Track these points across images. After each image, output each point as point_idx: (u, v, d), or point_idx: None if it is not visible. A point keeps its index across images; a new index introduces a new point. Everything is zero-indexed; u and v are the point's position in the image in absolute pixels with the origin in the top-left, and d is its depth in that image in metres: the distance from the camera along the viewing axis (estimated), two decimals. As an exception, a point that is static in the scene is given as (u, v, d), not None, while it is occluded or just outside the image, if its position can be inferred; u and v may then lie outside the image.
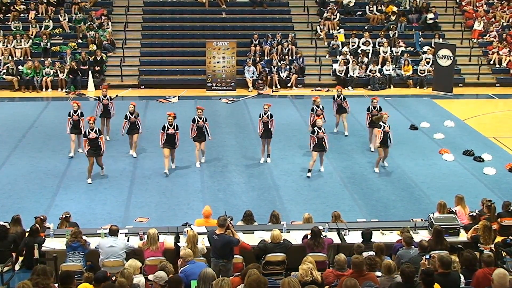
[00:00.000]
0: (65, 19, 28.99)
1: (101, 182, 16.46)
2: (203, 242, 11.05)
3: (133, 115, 17.97)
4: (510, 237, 12.50)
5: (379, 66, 27.77)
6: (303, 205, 15.29)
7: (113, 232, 11.23)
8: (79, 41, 28.12)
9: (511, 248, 11.93)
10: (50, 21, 28.84)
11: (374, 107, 19.00)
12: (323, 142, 16.87)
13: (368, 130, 19.42)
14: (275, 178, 17.07)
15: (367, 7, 31.06)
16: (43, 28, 28.51)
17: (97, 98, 19.89)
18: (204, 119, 17.45)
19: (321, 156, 17.25)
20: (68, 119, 17.94)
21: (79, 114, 17.93)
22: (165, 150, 16.96)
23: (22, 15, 29.35)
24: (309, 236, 11.26)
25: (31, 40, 27.87)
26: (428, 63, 27.84)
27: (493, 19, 30.95)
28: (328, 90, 26.01)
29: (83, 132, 17.17)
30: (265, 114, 17.71)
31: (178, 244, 11.31)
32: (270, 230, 11.48)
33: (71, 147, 18.30)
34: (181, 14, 30.67)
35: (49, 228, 12.44)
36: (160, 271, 9.27)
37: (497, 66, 28.59)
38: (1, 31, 28.05)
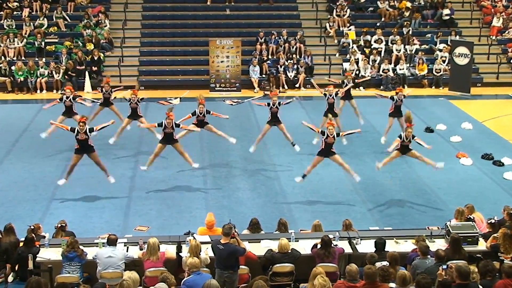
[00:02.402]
0: (61, 17, 29.04)
1: (98, 189, 16.46)
2: (207, 252, 11.04)
3: (135, 101, 18.40)
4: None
5: (392, 65, 27.77)
6: (312, 212, 15.28)
7: (112, 242, 11.22)
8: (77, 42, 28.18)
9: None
10: (45, 19, 28.95)
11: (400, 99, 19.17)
12: (331, 149, 15.65)
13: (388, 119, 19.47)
14: (283, 184, 17.06)
15: (379, 2, 31.08)
16: (37, 27, 28.60)
17: (97, 100, 20.05)
18: (206, 112, 17.54)
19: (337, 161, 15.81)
20: (55, 101, 18.90)
21: (71, 99, 18.76)
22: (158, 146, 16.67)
23: (15, 12, 29.47)
24: (318, 246, 11.24)
25: (24, 39, 27.96)
26: (444, 61, 27.85)
27: (512, 15, 30.95)
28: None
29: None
30: (273, 104, 17.85)
31: (180, 254, 11.32)
32: (278, 239, 11.45)
33: (50, 127, 18.44)
34: (182, 11, 30.76)
35: (44, 237, 12.47)
36: (161, 282, 9.27)
37: (517, 64, 28.60)
38: (-7, 30, 28.27)
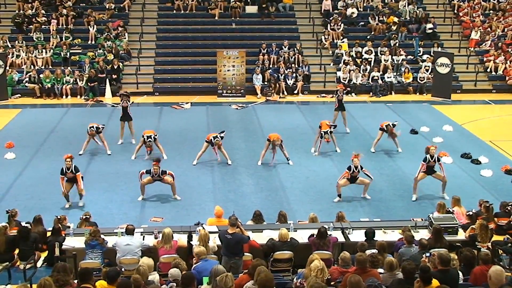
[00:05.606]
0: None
1: (118, 184, 16.49)
2: (215, 241, 11.06)
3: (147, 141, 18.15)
4: (508, 237, 12.48)
5: (381, 73, 27.74)
6: (309, 205, 15.26)
7: (130, 231, 11.26)
8: (99, 51, 28.11)
9: (507, 246, 11.88)
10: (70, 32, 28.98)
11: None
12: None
13: (378, 133, 19.26)
14: (283, 180, 17.05)
15: (369, 17, 31.03)
16: (63, 39, 28.65)
17: (116, 105, 19.87)
18: (218, 147, 17.75)
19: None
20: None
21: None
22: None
23: (43, 26, 29.49)
24: (315, 235, 11.25)
25: (51, 50, 28.01)
26: (427, 70, 27.77)
27: (489, 29, 30.81)
28: (332, 97, 25.90)
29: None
30: (273, 145, 17.75)
31: (190, 242, 11.33)
32: (278, 229, 11.48)
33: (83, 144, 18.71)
34: (193, 25, 30.71)
35: (69, 227, 12.51)
36: (174, 268, 9.29)
37: (493, 73, 28.47)
38: (24, 42, 28.26)
